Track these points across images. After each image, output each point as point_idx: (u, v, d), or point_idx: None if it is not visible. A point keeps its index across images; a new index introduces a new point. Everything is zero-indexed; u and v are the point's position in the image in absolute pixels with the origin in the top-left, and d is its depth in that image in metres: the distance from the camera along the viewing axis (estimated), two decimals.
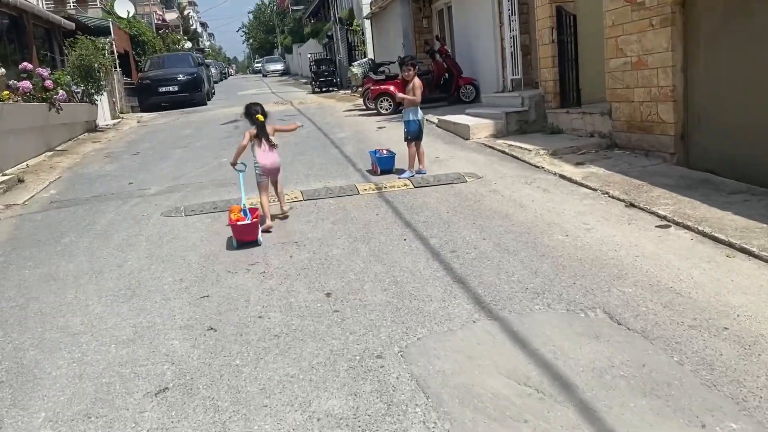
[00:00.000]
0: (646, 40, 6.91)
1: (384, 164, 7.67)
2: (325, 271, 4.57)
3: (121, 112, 20.69)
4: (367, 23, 22.53)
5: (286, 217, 6.12)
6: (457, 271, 4.35)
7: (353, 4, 24.71)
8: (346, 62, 26.36)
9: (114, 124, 17.33)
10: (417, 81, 7.47)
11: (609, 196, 5.85)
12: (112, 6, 25.04)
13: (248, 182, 5.92)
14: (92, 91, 15.49)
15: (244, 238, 5.29)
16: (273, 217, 5.89)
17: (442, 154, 8.63)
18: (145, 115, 19.97)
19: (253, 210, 5.45)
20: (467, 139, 9.59)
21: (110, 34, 20.79)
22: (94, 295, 4.50)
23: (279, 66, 55.35)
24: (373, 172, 7.75)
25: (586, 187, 6.23)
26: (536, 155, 7.80)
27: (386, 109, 13.58)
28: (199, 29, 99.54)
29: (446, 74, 14.04)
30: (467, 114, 10.89)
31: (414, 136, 7.47)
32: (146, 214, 6.68)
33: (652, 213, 5.18)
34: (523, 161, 7.70)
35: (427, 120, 11.64)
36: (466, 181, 6.95)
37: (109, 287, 4.62)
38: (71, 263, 5.25)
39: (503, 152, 8.34)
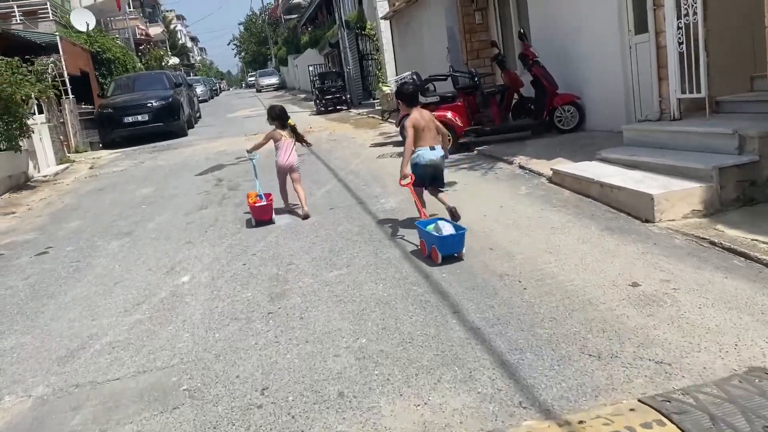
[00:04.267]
0: None
1: (448, 247, 4.61)
2: None
3: (77, 151, 16.22)
4: (385, 25, 18.03)
5: (307, 216, 6.36)
6: None
7: (365, 3, 20.21)
8: (357, 75, 21.90)
9: (58, 173, 12.82)
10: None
11: None
12: (69, 19, 20.54)
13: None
14: (16, 132, 10.98)
15: (261, 217, 6.27)
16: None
17: (641, 274, 4.04)
18: (105, 154, 15.47)
19: (267, 194, 6.48)
20: (647, 221, 5.02)
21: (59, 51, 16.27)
22: None
23: (274, 80, 51.07)
24: (430, 258, 4.65)
25: None
26: None
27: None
28: (189, 44, 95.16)
29: (520, 90, 9.55)
30: (606, 161, 6.35)
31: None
32: None
33: None
34: None
35: (520, 170, 7.15)
36: None
37: None
38: None
39: None
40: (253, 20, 69.35)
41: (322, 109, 20.53)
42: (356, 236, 5.66)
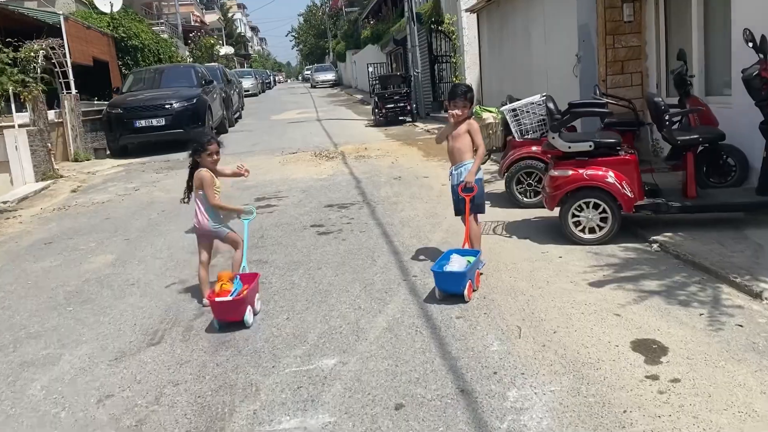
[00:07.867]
0: None
1: (445, 284, 4.26)
2: None
3: (76, 159, 13.09)
4: (470, 20, 14.26)
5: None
6: None
7: None
8: (426, 80, 18.17)
9: (27, 197, 9.60)
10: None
11: None
12: None
13: None
14: None
15: (225, 318, 4.16)
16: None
17: None
18: (105, 168, 12.25)
19: (250, 276, 4.39)
20: None
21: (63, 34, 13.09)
22: None
23: (330, 75, 48.10)
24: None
25: None
26: None
27: (593, 232, 5.22)
28: (249, 33, 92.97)
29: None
30: None
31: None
32: None
33: None
34: None
35: None
36: None
37: None
38: None
39: None
40: (314, 11, 66.42)
41: (382, 119, 16.89)
42: None
